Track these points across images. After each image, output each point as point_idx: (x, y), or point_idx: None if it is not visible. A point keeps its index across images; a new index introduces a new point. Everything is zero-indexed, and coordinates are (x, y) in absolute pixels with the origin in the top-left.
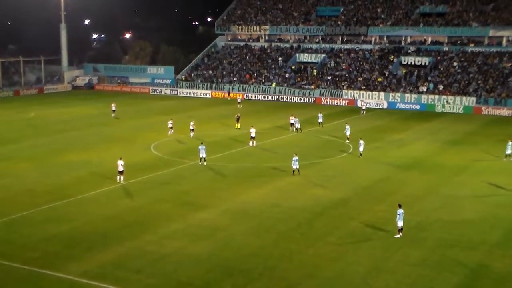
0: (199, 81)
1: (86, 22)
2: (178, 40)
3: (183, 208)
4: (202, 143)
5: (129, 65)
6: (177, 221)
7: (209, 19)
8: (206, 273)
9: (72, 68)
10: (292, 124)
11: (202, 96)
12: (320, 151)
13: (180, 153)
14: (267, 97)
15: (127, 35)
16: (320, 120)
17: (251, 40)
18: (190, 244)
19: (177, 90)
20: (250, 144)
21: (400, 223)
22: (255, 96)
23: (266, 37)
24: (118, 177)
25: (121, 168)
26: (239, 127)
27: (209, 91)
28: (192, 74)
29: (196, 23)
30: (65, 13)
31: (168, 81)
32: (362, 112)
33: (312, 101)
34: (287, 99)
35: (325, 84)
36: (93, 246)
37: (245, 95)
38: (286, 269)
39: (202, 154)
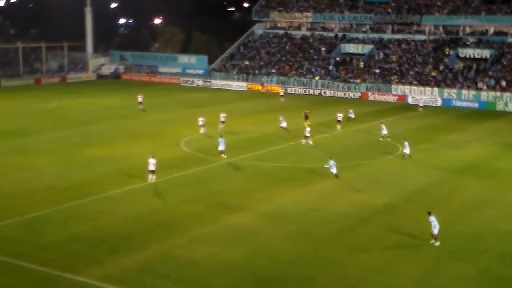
0: (234, 72)
1: (113, 5)
2: (212, 27)
3: (215, 210)
4: (221, 136)
5: (159, 54)
6: (208, 223)
7: (246, 5)
8: (238, 281)
9: (98, 56)
10: (339, 121)
11: (237, 88)
12: (365, 152)
13: (213, 150)
14: (308, 91)
15: (157, 21)
16: (352, 115)
17: (291, 28)
18: (222, 249)
19: (210, 82)
20: (303, 142)
21: (435, 231)
22: (295, 90)
23: (308, 25)
24: (149, 176)
25: (152, 167)
26: (309, 125)
27: (245, 83)
28: (227, 65)
29: (232, 9)
30: None
31: (201, 72)
32: (419, 109)
33: (357, 97)
34: (330, 93)
35: (372, 78)
36: (116, 248)
37: (284, 88)
38: (325, 279)
39: (221, 147)
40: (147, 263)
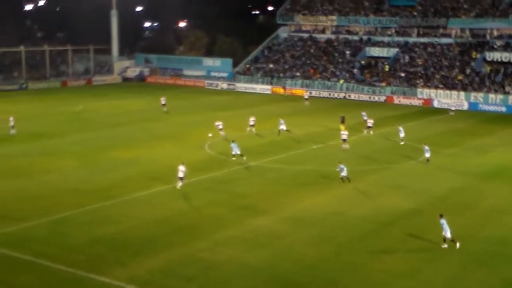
0: (259, 75)
1: (138, 9)
2: (236, 30)
3: (239, 213)
4: (233, 141)
5: (183, 56)
6: (232, 226)
7: (270, 8)
8: (261, 284)
9: (123, 59)
10: (369, 127)
11: (262, 91)
12: (388, 156)
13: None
14: (333, 94)
15: (182, 24)
16: (365, 118)
17: (316, 32)
18: (246, 253)
19: (234, 85)
20: (344, 147)
21: (446, 233)
22: (320, 93)
23: (333, 29)
24: (179, 183)
25: (181, 174)
26: (344, 129)
27: (269, 87)
28: (251, 68)
29: (256, 12)
30: None
31: (225, 75)
32: (450, 112)
33: (382, 100)
34: (354, 97)
35: (397, 81)
36: (141, 250)
37: (308, 91)
38: (348, 283)
39: (236, 151)
40: (171, 265)
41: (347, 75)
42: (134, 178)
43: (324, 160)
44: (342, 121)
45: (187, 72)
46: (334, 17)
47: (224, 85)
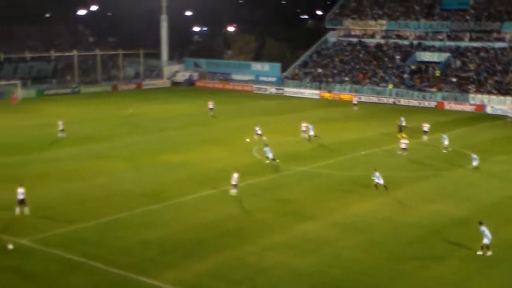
0: (307, 80)
1: (188, 14)
2: (285, 35)
3: (287, 218)
4: (267, 145)
5: (232, 61)
6: (280, 232)
7: (319, 12)
8: None
9: (172, 63)
10: (425, 132)
11: (310, 96)
12: (439, 162)
13: (286, 158)
14: (382, 99)
15: (231, 28)
16: (403, 124)
17: (365, 36)
18: (294, 258)
19: (282, 89)
20: (403, 154)
21: (485, 240)
22: (369, 98)
23: (383, 33)
24: (232, 190)
25: (234, 182)
26: (403, 137)
27: (317, 91)
28: (300, 72)
29: (305, 17)
30: (166, 4)
31: (274, 79)
32: (508, 119)
33: (433, 106)
34: (404, 102)
35: (448, 86)
36: (190, 254)
37: (357, 96)
38: None
39: (270, 155)
40: (220, 269)
41: (396, 80)
42: (183, 182)
43: (373, 165)
44: (400, 130)
45: (235, 76)
46: (384, 22)
47: (272, 90)
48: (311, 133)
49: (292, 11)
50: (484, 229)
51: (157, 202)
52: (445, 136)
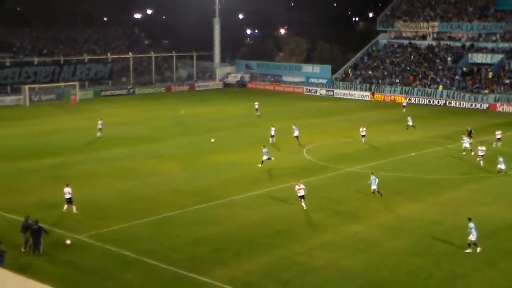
0: (357, 81)
1: (240, 17)
2: (335, 37)
3: (335, 219)
4: (264, 146)
5: (283, 63)
6: (328, 232)
7: (370, 15)
8: None
9: (224, 65)
10: (498, 139)
11: (360, 98)
12: (489, 164)
13: (335, 159)
14: (432, 101)
15: (282, 31)
16: (410, 123)
17: (416, 38)
18: (342, 258)
19: (333, 91)
20: (481, 163)
21: (471, 237)
22: (419, 100)
23: (434, 35)
24: (301, 202)
25: (301, 193)
26: (470, 142)
27: (368, 93)
28: (350, 74)
29: (356, 19)
30: (219, 7)
31: (324, 81)
32: None
33: (485, 108)
34: (455, 104)
35: (501, 88)
36: (240, 252)
37: (407, 98)
38: None
39: (265, 157)
40: (269, 268)
41: (447, 81)
42: (233, 182)
43: (422, 167)
44: (469, 135)
45: (286, 78)
46: (435, 23)
47: (322, 91)
48: (296, 133)
49: (343, 14)
50: (472, 225)
51: (208, 201)
52: (465, 138)
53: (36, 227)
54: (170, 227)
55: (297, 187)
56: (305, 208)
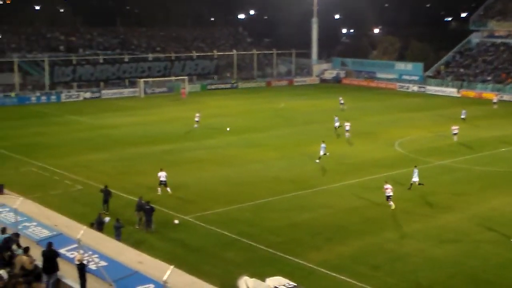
0: (449, 79)
1: (337, 16)
2: (428, 36)
3: (425, 209)
4: (323, 142)
5: (377, 61)
6: (418, 221)
7: (463, 15)
8: (448, 278)
9: (321, 62)
10: None
11: (451, 94)
12: None
13: (426, 152)
14: None
15: (376, 30)
16: (463, 116)
17: (510, 37)
18: (432, 247)
19: (424, 87)
20: None
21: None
22: (511, 97)
23: None
24: (391, 203)
25: (389, 193)
26: None
27: (459, 90)
28: (442, 71)
29: (449, 19)
30: (317, 7)
31: (416, 78)
32: None
33: None
34: None
35: None
36: (333, 237)
37: (498, 95)
38: None
39: (321, 152)
40: (360, 253)
41: None
42: (327, 171)
43: None
44: None
45: (379, 75)
46: None
47: (414, 88)
48: (337, 124)
49: (436, 14)
50: (415, 171)
51: (305, 189)
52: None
53: (148, 207)
54: (268, 211)
55: (384, 186)
56: (393, 207)
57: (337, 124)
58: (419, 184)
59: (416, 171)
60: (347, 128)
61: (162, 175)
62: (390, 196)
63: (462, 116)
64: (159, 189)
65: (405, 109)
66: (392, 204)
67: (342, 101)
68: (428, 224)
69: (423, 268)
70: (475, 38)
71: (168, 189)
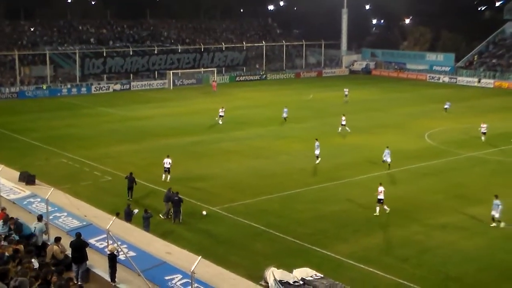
0: (481, 69)
1: (367, 7)
2: (460, 26)
3: (455, 201)
4: (316, 140)
5: (407, 51)
6: (447, 213)
7: (497, 4)
8: (477, 271)
9: (351, 53)
10: None
11: (484, 85)
12: None
13: (457, 144)
14: None
15: (407, 21)
16: (446, 106)
17: None
18: (461, 239)
19: (456, 78)
20: None
21: (494, 213)
22: None
23: None
24: (385, 207)
25: (381, 196)
26: None
27: (491, 81)
28: (474, 62)
29: (482, 8)
30: None
31: (447, 69)
32: None
33: None
34: None
35: None
36: (360, 229)
37: None
38: None
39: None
40: (388, 245)
41: None
42: (356, 163)
43: None
44: None
45: (410, 66)
46: None
47: (445, 79)
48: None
49: (468, 3)
50: (498, 203)
51: (331, 180)
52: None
53: (176, 198)
54: (295, 203)
55: (378, 189)
56: (388, 211)
57: (343, 123)
58: (388, 164)
59: (387, 151)
60: (343, 122)
61: (167, 162)
62: (381, 199)
63: (446, 106)
64: (163, 175)
65: (436, 100)
66: (386, 208)
67: (346, 93)
68: (457, 216)
69: (452, 260)
70: (509, 28)
71: (169, 177)
